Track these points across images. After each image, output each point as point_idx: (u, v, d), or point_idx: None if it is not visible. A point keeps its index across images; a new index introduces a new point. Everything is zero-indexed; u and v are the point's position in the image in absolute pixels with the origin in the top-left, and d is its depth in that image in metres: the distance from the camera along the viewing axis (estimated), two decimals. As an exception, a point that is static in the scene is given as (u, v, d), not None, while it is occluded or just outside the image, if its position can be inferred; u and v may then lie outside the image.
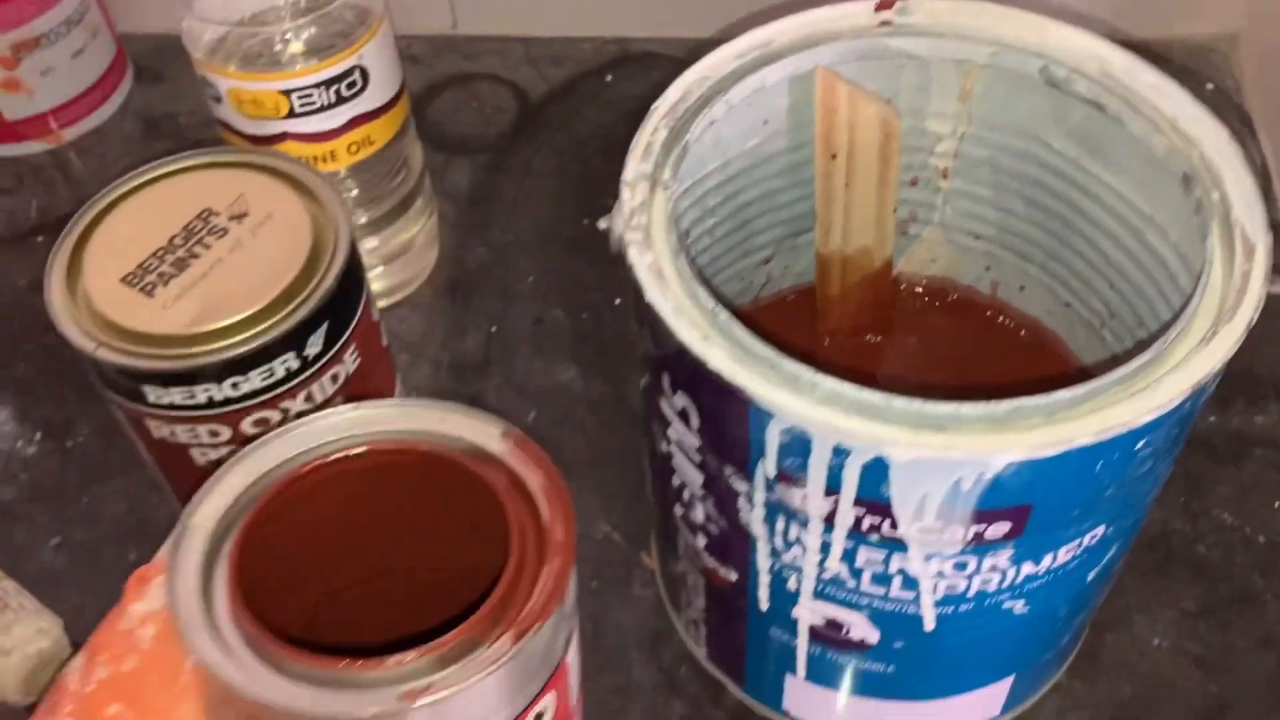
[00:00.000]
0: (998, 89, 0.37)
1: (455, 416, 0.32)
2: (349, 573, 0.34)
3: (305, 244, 0.38)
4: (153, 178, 0.40)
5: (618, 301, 0.53)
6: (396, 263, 0.51)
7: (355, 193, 0.48)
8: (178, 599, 0.28)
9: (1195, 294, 0.30)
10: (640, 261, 0.30)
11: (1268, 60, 0.58)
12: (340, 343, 0.39)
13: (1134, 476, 0.30)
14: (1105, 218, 0.37)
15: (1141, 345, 0.38)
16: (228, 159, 0.41)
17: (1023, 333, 0.43)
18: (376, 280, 0.51)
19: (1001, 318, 0.43)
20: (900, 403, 0.27)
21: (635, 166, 0.32)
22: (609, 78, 0.62)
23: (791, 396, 0.28)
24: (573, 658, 0.31)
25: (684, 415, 0.31)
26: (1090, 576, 0.34)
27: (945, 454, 0.27)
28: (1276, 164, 0.55)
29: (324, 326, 0.38)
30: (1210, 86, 0.59)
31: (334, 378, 0.39)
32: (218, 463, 0.39)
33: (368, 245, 0.50)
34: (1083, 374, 0.42)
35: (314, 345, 0.38)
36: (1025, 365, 0.43)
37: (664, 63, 0.62)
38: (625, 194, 0.32)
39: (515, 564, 0.29)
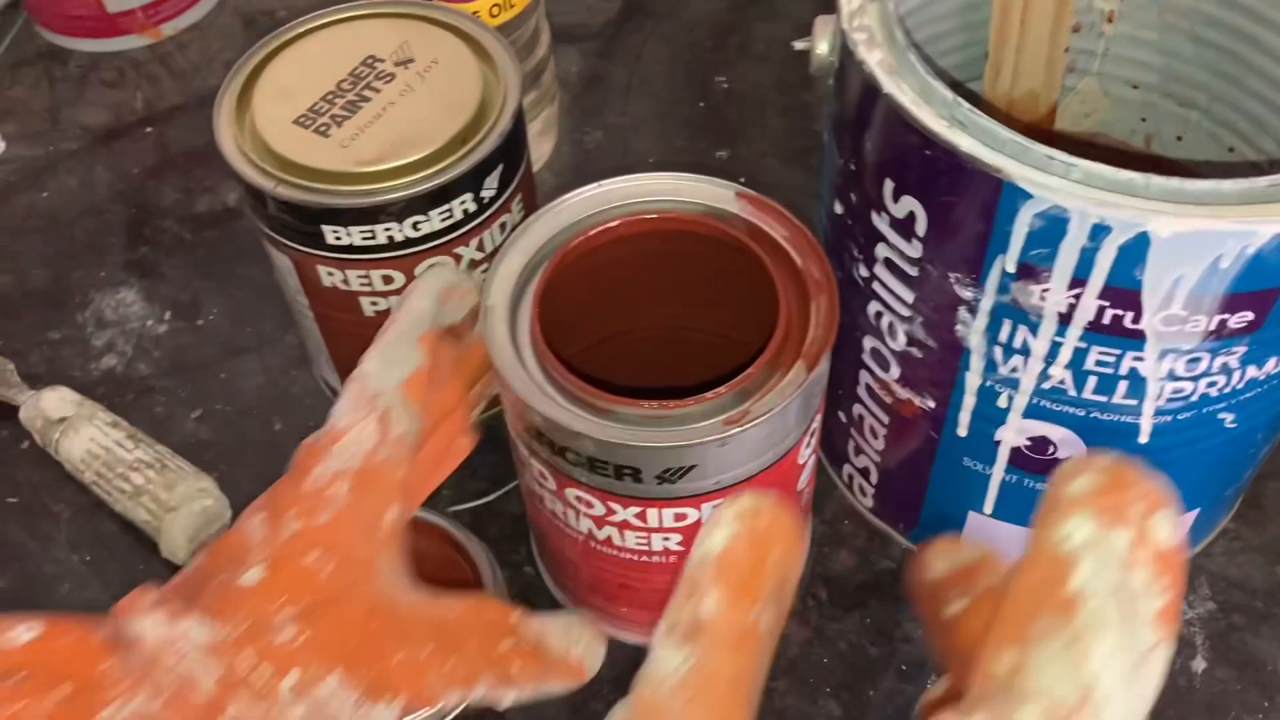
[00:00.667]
0: (1179, -83, 0.37)
1: (690, 184, 0.35)
2: (630, 325, 0.38)
3: (475, 88, 0.38)
4: (312, 28, 0.40)
5: (741, 180, 0.52)
6: (520, 142, 0.51)
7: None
8: (506, 372, 0.31)
9: None
10: (870, 57, 0.30)
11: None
12: (511, 188, 0.39)
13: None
14: (1287, 48, 0.37)
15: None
16: (388, 9, 0.41)
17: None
18: (500, 160, 0.51)
19: (1155, 172, 0.43)
20: (1160, 181, 0.27)
21: (848, -24, 0.32)
22: (711, -31, 0.61)
23: (1048, 178, 0.27)
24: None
25: (905, 225, 0.31)
26: (1293, 395, 0.34)
27: (1212, 225, 0.26)
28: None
29: (499, 169, 0.38)
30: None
31: (503, 226, 0.39)
32: (385, 313, 0.39)
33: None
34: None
35: (489, 188, 0.38)
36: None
37: (765, -45, 0.61)
38: (842, 3, 0.31)
39: (786, 304, 0.32)
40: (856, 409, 0.38)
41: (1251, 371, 0.31)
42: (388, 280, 0.38)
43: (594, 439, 0.30)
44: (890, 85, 0.29)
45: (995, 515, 0.37)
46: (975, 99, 0.41)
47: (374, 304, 0.39)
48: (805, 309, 0.32)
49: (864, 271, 0.34)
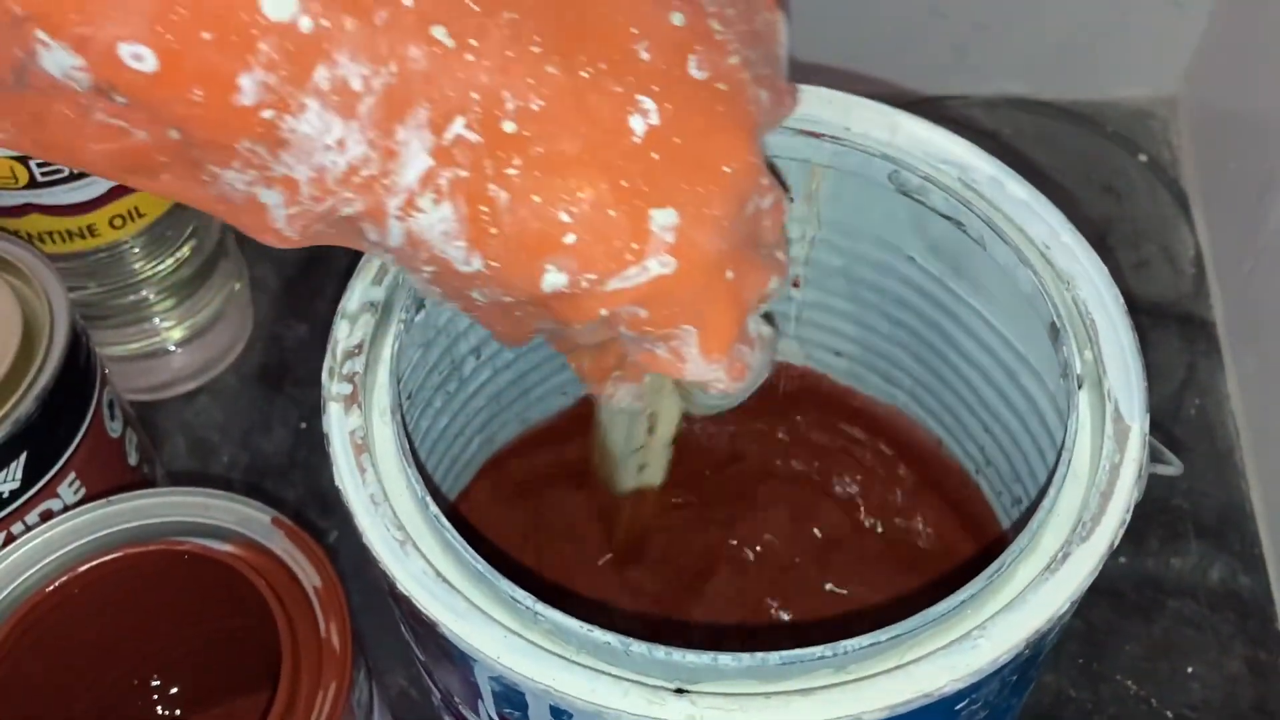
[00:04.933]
0: (846, 191, 0.30)
1: (220, 504, 0.29)
2: (113, 699, 0.32)
3: (8, 349, 0.32)
4: None
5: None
6: (194, 344, 0.45)
7: (138, 264, 0.41)
8: None
9: (1050, 491, 0.23)
10: (338, 429, 0.23)
11: (1210, 129, 0.51)
12: (52, 473, 0.32)
13: (963, 729, 0.23)
14: (976, 350, 0.31)
15: (1018, 504, 0.32)
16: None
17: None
18: (173, 364, 0.45)
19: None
20: (640, 649, 0.20)
21: (362, 291, 0.26)
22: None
23: (501, 634, 0.21)
24: None
25: (404, 623, 0.25)
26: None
27: (688, 734, 0.20)
28: (1212, 252, 0.49)
29: (22, 458, 0.31)
30: (1143, 158, 0.52)
31: (44, 515, 0.32)
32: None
33: (161, 324, 0.43)
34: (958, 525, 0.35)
35: (8, 482, 0.31)
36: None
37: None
38: (341, 330, 0.25)
39: (288, 691, 0.26)
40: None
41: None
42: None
43: None
44: (346, 476, 0.23)
45: None
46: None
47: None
48: (314, 695, 0.26)
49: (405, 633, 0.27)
